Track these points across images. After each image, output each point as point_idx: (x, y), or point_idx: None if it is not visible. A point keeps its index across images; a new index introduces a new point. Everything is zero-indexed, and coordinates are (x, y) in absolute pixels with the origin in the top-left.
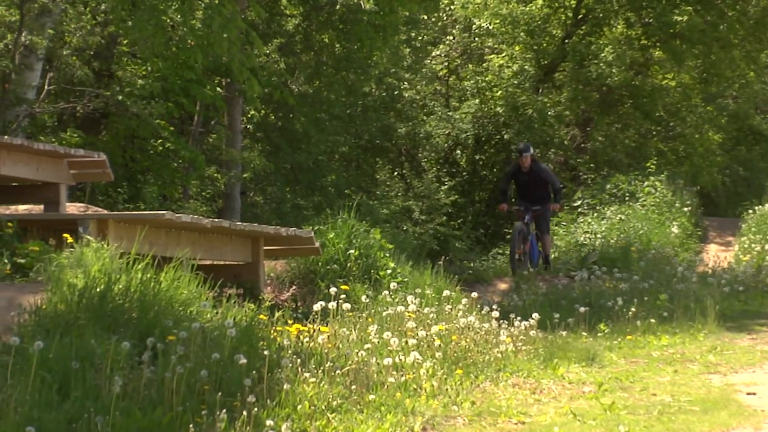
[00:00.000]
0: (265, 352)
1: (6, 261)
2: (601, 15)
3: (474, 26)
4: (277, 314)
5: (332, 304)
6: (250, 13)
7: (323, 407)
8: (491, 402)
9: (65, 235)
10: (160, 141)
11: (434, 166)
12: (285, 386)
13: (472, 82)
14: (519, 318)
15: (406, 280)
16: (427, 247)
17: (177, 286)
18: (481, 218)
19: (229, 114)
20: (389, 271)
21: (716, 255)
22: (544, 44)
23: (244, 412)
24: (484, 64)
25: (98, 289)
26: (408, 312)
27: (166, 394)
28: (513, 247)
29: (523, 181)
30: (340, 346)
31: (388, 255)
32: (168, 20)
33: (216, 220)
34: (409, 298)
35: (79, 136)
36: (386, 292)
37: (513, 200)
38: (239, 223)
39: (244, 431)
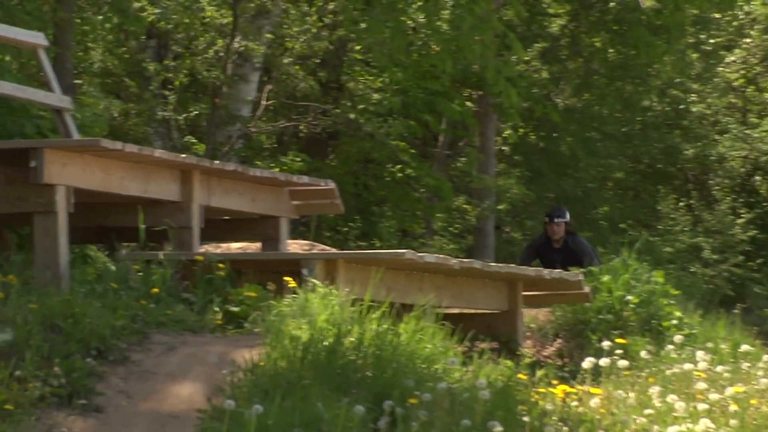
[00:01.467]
0: (525, 418)
1: (217, 309)
2: None
3: None
4: (538, 373)
5: (605, 361)
6: (507, 12)
7: None
8: None
9: (286, 278)
10: (399, 166)
11: (728, 195)
12: None
13: None
14: None
15: (694, 332)
16: (720, 292)
17: (419, 339)
18: None
19: (481, 133)
20: (674, 322)
21: None
22: None
23: None
24: None
25: (326, 343)
26: (697, 371)
27: None
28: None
29: (552, 262)
30: (615, 411)
31: (673, 302)
32: (409, 21)
33: (466, 260)
34: (699, 353)
35: (303, 160)
36: (671, 346)
37: None
38: (493, 263)
39: None
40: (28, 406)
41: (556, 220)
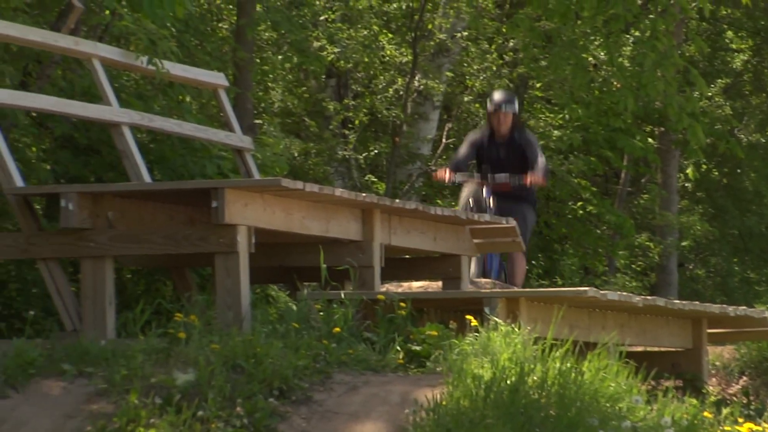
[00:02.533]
0: None
1: (399, 348)
2: None
3: None
4: (724, 411)
5: None
6: (690, 48)
7: None
8: None
9: (468, 316)
10: (580, 203)
11: None
12: None
13: None
14: None
15: None
16: None
17: (603, 378)
18: None
19: (663, 170)
20: None
21: None
22: None
23: None
24: None
25: (509, 382)
26: None
27: None
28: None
29: (494, 156)
30: None
31: None
32: (590, 58)
33: (649, 297)
34: None
35: None
36: None
37: None
38: (677, 301)
39: None
40: None
41: (504, 109)
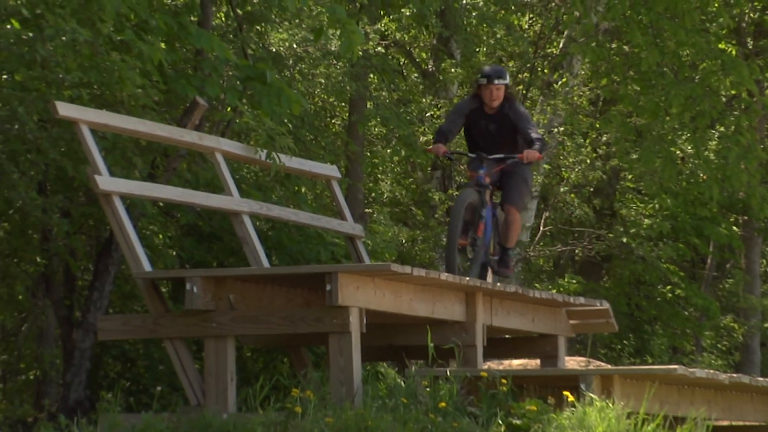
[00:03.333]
0: None
1: (500, 422)
2: None
3: None
4: None
5: None
6: None
7: None
8: None
9: (565, 392)
10: (669, 287)
11: None
12: None
13: None
14: None
15: None
16: None
17: None
18: None
19: (746, 256)
20: None
21: None
22: None
23: None
24: None
25: None
26: None
27: None
28: (452, 230)
29: (484, 130)
30: None
31: None
32: (677, 152)
33: (734, 375)
34: None
35: (579, 282)
36: None
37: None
38: (761, 378)
39: None
40: None
41: (496, 81)
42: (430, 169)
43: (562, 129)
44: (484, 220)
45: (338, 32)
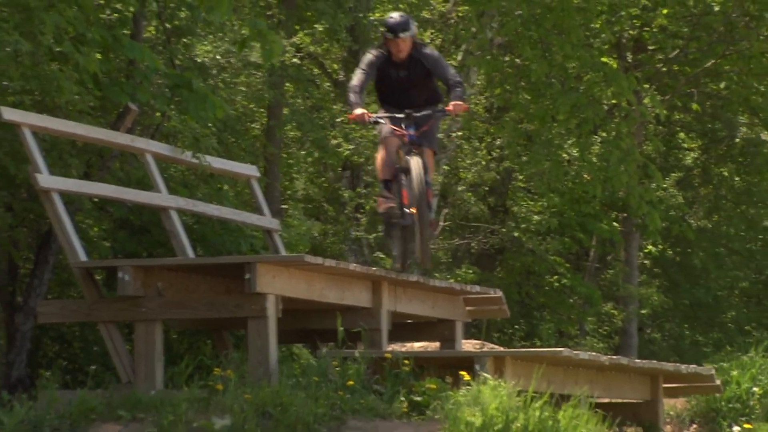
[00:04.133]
0: None
1: (403, 399)
2: None
3: None
4: None
5: None
6: (648, 147)
7: None
8: None
9: (462, 372)
10: (555, 277)
11: None
12: None
13: None
14: None
15: None
16: None
17: (576, 425)
18: None
19: (626, 249)
20: None
21: None
22: None
23: None
24: None
25: (496, 428)
26: None
27: None
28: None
29: (396, 82)
30: None
31: None
32: (564, 155)
33: (614, 357)
34: None
35: (474, 272)
36: None
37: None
38: (638, 360)
39: None
40: None
41: (401, 35)
42: (340, 169)
43: (460, 134)
44: (431, 187)
45: (259, 45)
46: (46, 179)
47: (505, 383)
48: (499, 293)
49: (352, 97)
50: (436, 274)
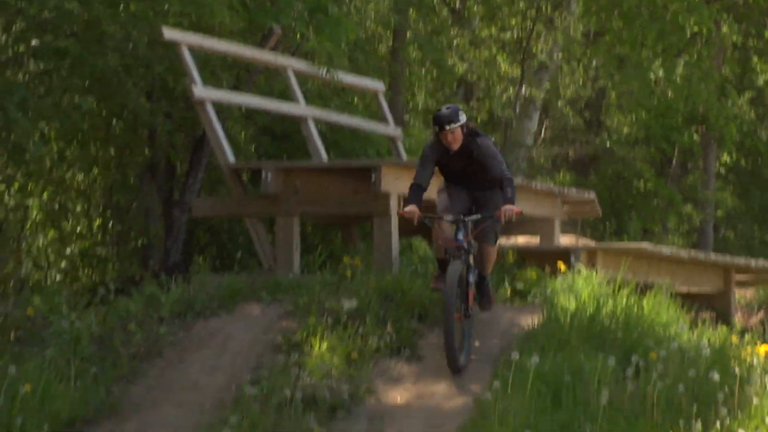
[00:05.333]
0: (736, 370)
1: (507, 286)
2: None
3: None
4: (746, 337)
5: None
6: (725, 69)
7: None
8: None
9: (559, 263)
10: (642, 181)
11: None
12: (754, 400)
13: None
14: None
15: None
16: None
17: (657, 311)
18: None
19: (704, 158)
20: None
21: None
22: None
23: (718, 423)
24: None
25: (588, 312)
26: None
27: (648, 406)
28: (449, 309)
29: (453, 168)
30: None
31: None
32: (651, 75)
33: (692, 251)
34: None
35: (571, 176)
36: None
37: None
38: (712, 254)
39: None
40: (368, 355)
41: (448, 127)
42: (455, 85)
43: (560, 55)
44: (472, 287)
45: None
46: (200, 91)
47: (596, 273)
48: (593, 195)
49: (409, 193)
50: (538, 178)
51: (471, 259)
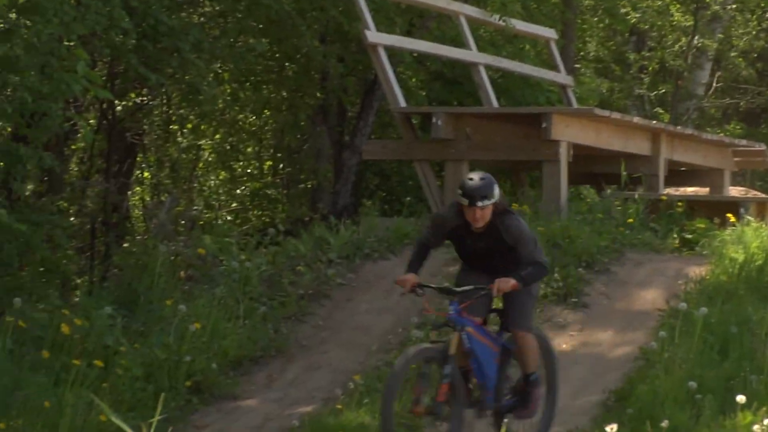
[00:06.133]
0: None
1: (675, 236)
2: None
3: None
4: None
5: None
6: None
7: None
8: None
9: (728, 215)
10: None
11: None
12: None
13: None
14: None
15: None
16: None
17: None
18: None
19: None
20: None
21: None
22: None
23: None
24: None
25: (756, 264)
26: None
27: None
28: (389, 391)
29: (471, 249)
30: None
31: None
32: None
33: None
34: None
35: (741, 128)
36: None
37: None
38: None
39: None
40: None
41: (479, 204)
42: (627, 34)
43: (734, 6)
44: (447, 380)
45: None
46: (373, 35)
47: (766, 225)
48: (763, 147)
49: (411, 255)
50: (708, 129)
51: (451, 345)
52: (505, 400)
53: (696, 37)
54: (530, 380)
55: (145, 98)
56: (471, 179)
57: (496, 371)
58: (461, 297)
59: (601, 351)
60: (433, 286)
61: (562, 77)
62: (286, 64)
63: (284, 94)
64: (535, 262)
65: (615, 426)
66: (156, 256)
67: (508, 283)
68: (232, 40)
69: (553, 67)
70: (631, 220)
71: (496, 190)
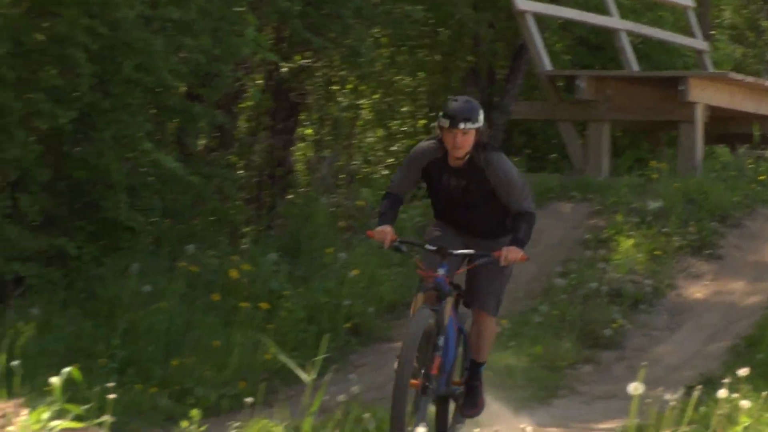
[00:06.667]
0: None
1: None
2: None
3: None
4: None
5: None
6: None
7: None
8: None
9: None
10: None
11: None
12: None
13: None
14: None
15: None
16: None
17: None
18: None
19: None
20: None
21: None
22: None
23: None
24: None
25: None
26: None
27: None
28: (404, 370)
29: (448, 187)
30: None
31: None
32: None
33: None
34: None
35: None
36: None
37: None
38: None
39: None
40: (671, 253)
41: (462, 126)
42: (761, 2)
43: None
44: (440, 352)
45: None
46: (522, 3)
47: None
48: None
49: (381, 205)
50: None
51: (448, 307)
52: (453, 388)
53: None
54: (479, 371)
55: (308, 60)
56: (455, 100)
57: (454, 353)
58: (455, 261)
59: (733, 300)
60: (424, 245)
61: (698, 43)
62: (440, 29)
63: (438, 57)
64: (526, 214)
65: (746, 370)
66: (318, 208)
67: (518, 253)
68: (390, 6)
69: (690, 34)
70: (762, 177)
71: (481, 116)
